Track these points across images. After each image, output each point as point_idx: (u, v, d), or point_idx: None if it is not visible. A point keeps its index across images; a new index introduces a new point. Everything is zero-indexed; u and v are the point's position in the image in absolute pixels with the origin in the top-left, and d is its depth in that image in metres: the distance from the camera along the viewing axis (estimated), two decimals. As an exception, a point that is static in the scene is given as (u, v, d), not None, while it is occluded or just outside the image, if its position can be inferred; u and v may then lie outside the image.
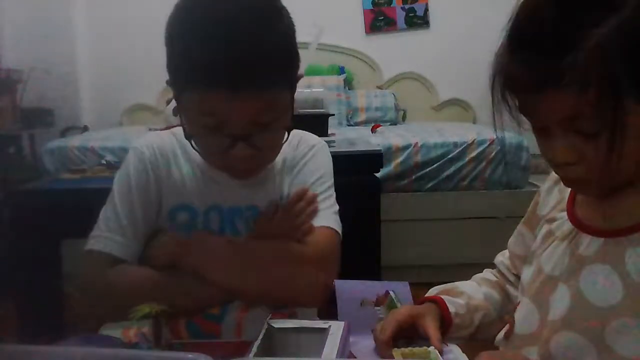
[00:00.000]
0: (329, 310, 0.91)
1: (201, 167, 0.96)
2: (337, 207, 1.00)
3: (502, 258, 0.95)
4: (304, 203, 0.96)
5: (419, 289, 0.94)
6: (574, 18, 0.59)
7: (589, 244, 0.71)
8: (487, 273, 0.97)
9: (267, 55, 0.79)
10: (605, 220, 0.70)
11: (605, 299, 0.66)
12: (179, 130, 0.95)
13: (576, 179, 0.68)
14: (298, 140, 1.02)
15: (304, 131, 1.04)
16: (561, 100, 0.61)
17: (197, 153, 0.92)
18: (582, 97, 0.59)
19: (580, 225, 0.73)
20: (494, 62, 0.67)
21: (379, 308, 0.88)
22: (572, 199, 0.77)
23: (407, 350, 0.76)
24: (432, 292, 0.90)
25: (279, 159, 0.98)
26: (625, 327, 0.64)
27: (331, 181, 1.01)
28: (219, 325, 0.92)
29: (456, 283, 0.93)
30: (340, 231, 0.98)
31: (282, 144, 0.92)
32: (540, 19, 0.61)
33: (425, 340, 0.79)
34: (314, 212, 0.96)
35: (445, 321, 0.84)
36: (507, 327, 0.81)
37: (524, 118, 0.68)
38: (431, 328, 0.79)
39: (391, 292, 0.89)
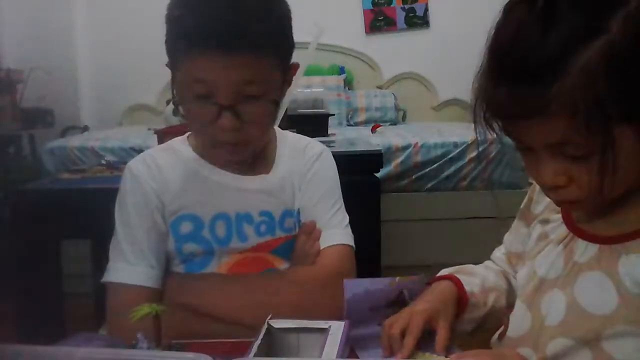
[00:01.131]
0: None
1: (203, 175, 0.96)
2: (347, 219, 1.01)
3: (499, 254, 0.95)
4: (311, 239, 0.97)
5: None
6: (558, 43, 0.58)
7: (584, 250, 0.70)
8: (489, 263, 0.96)
9: (257, 23, 0.83)
10: (600, 227, 0.70)
11: (600, 307, 0.66)
12: (178, 141, 0.98)
13: (568, 200, 0.68)
14: (305, 145, 1.03)
15: (307, 137, 1.07)
16: (549, 127, 0.60)
17: (197, 162, 0.95)
18: (570, 124, 0.58)
19: (575, 230, 0.73)
20: (475, 85, 0.66)
21: (387, 309, 0.86)
22: None
23: (420, 353, 0.76)
24: (444, 273, 0.89)
25: (285, 162, 0.99)
26: (621, 334, 0.64)
27: (339, 191, 1.02)
28: None
29: (466, 265, 0.93)
30: (352, 243, 0.99)
31: (271, 123, 0.94)
32: (523, 45, 0.60)
33: (433, 340, 0.78)
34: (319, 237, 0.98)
35: (462, 300, 0.83)
36: (502, 328, 0.81)
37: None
38: (442, 331, 0.78)
39: (405, 292, 0.86)
